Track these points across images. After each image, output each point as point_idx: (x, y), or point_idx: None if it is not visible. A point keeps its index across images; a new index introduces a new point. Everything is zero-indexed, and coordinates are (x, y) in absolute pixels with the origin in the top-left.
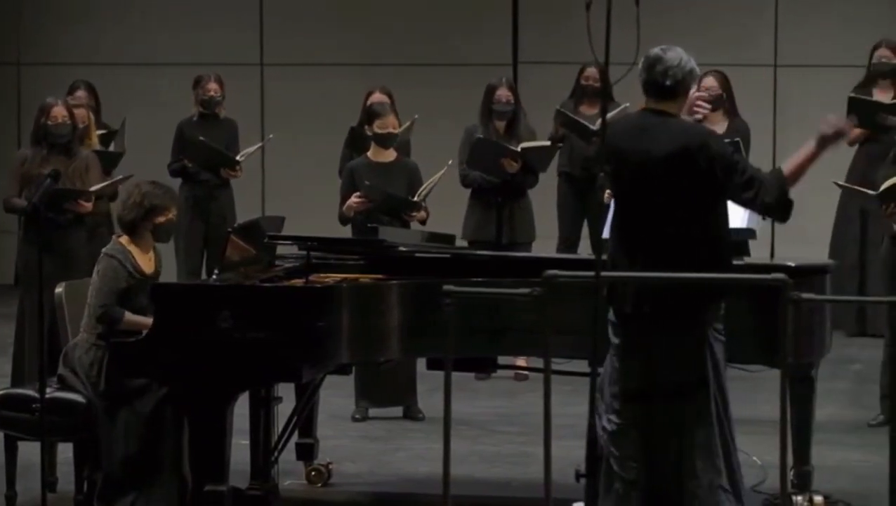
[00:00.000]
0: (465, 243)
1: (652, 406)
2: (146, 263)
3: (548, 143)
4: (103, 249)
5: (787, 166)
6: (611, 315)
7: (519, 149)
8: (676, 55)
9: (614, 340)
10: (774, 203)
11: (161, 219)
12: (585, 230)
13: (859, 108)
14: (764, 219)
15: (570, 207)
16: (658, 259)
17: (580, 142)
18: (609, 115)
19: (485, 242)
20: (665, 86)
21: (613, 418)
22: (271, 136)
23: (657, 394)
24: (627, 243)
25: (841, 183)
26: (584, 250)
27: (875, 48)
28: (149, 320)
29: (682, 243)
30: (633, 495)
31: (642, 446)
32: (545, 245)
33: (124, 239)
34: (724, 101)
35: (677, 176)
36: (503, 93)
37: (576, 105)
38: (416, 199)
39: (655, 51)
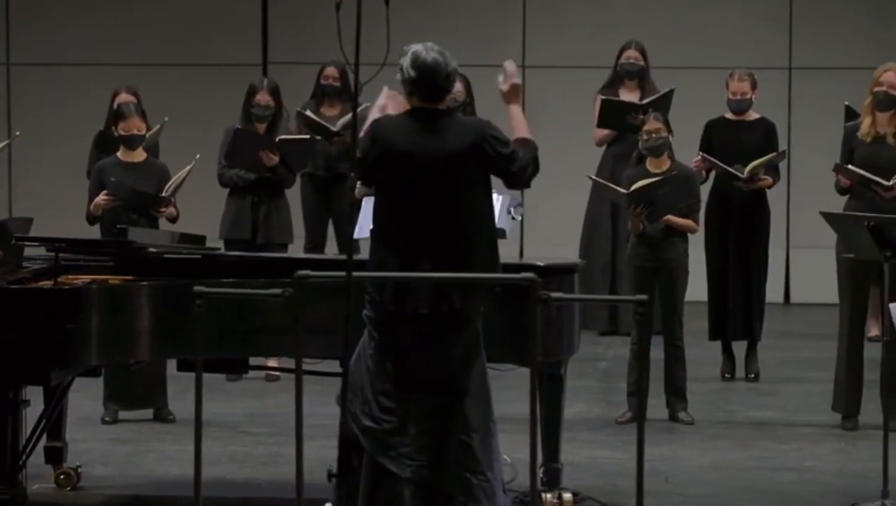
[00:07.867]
0: (220, 243)
1: (431, 402)
2: None
3: (306, 136)
4: None
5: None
6: (368, 311)
7: (277, 140)
8: (445, 58)
9: (378, 338)
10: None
11: None
12: (331, 231)
13: (610, 110)
14: (513, 219)
15: (315, 207)
16: (439, 259)
17: (323, 142)
18: (348, 116)
19: (240, 242)
20: (444, 88)
21: (385, 416)
22: (18, 132)
23: (438, 390)
24: (403, 243)
25: (593, 177)
26: (332, 251)
27: (623, 49)
28: None
29: (466, 242)
30: (410, 491)
31: (421, 442)
32: (295, 247)
33: None
34: (467, 106)
35: (471, 169)
36: (262, 97)
37: (317, 105)
38: (163, 194)
39: (433, 55)
